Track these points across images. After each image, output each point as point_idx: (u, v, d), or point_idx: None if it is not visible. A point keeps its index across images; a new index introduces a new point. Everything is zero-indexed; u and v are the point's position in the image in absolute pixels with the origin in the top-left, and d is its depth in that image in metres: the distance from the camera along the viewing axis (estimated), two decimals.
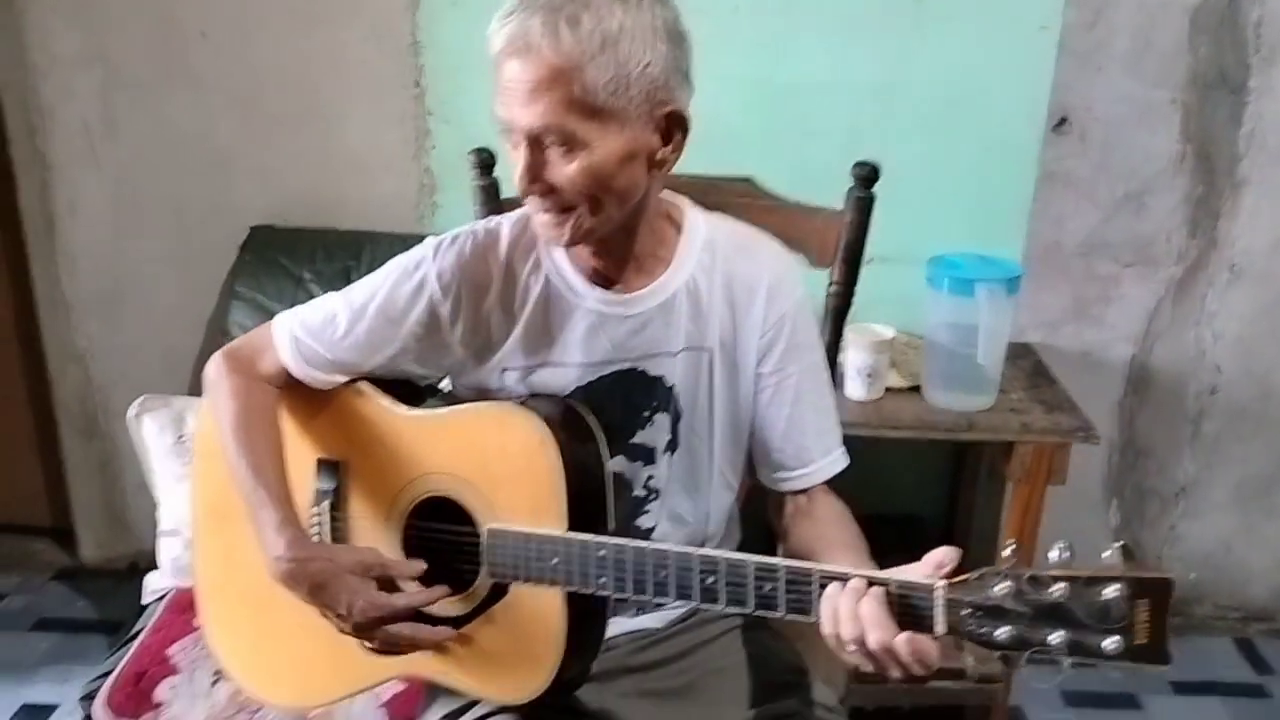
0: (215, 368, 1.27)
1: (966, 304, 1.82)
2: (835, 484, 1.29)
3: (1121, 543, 0.89)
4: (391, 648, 1.18)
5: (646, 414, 1.22)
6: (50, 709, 2.06)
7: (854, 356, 1.91)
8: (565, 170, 1.07)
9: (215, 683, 1.61)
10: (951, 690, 2.02)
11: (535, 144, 1.07)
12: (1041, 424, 1.89)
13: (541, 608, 1.14)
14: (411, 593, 1.18)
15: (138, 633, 1.74)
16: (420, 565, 1.20)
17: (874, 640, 0.94)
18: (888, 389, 1.95)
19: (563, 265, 1.20)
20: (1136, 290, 2.21)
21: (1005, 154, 2.10)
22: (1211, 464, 2.33)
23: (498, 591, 1.17)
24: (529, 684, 1.15)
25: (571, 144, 1.06)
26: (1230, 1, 2.03)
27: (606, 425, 1.19)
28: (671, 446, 1.24)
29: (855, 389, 1.93)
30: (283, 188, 2.20)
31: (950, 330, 1.86)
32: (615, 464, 1.19)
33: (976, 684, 2.01)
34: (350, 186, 2.19)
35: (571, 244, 1.14)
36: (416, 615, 1.19)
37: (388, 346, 1.22)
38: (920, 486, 2.39)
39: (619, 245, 1.18)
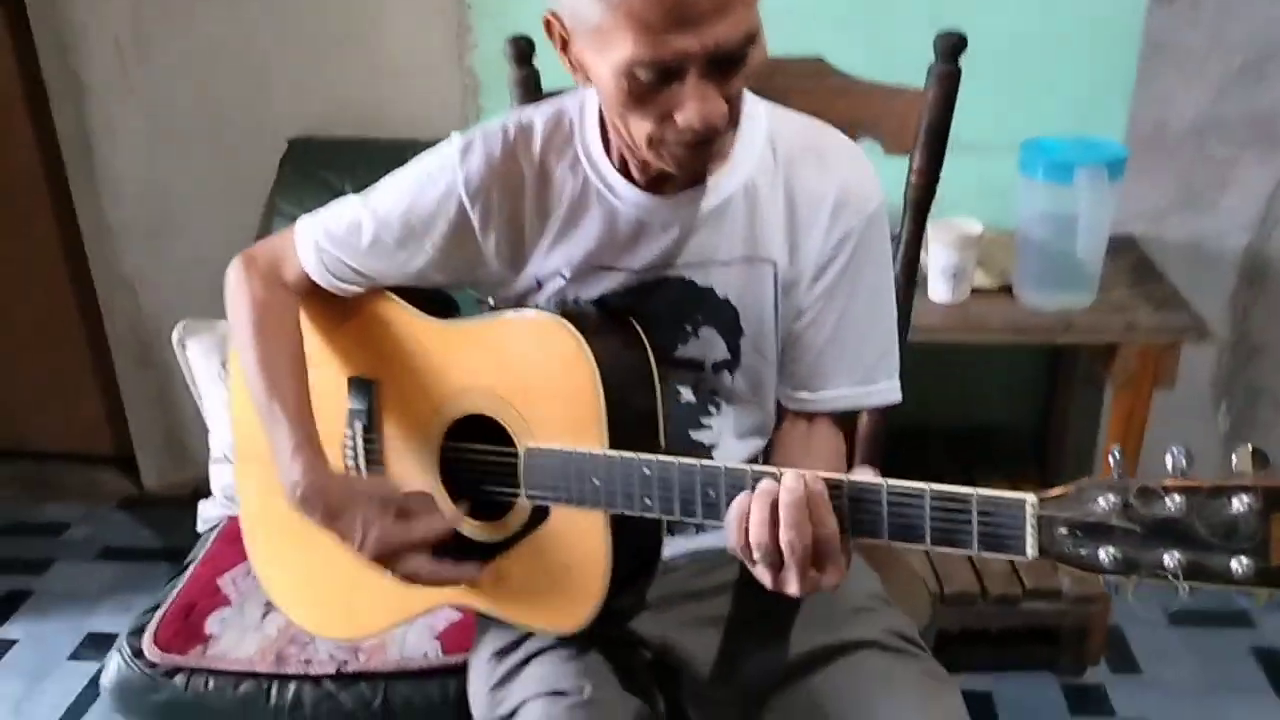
0: (235, 273, 1.18)
1: (1064, 192, 1.65)
2: (913, 391, 1.15)
3: (1251, 446, 0.75)
4: (414, 581, 1.10)
5: (690, 327, 1.10)
6: (112, 638, 2.04)
7: (937, 255, 1.75)
8: (735, 85, 0.91)
9: (266, 614, 1.55)
10: (1045, 611, 1.89)
11: (720, 67, 0.89)
12: (1148, 322, 1.72)
13: (585, 533, 1.05)
14: (424, 523, 1.10)
15: (190, 564, 1.70)
16: (445, 507, 1.13)
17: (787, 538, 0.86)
18: (974, 290, 1.79)
19: (601, 163, 1.07)
20: (1253, 173, 2.00)
21: (1106, 25, 1.90)
22: None
23: (539, 515, 1.08)
24: (574, 615, 1.06)
25: (753, 46, 0.90)
26: None
27: (649, 336, 1.07)
28: (730, 365, 1.12)
29: (938, 291, 1.77)
30: (321, 98, 2.09)
31: (1045, 222, 1.69)
32: (662, 375, 1.08)
33: (1072, 604, 1.88)
34: (390, 93, 2.07)
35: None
36: (454, 540, 1.11)
37: (415, 258, 1.12)
38: (1010, 395, 2.23)
39: None
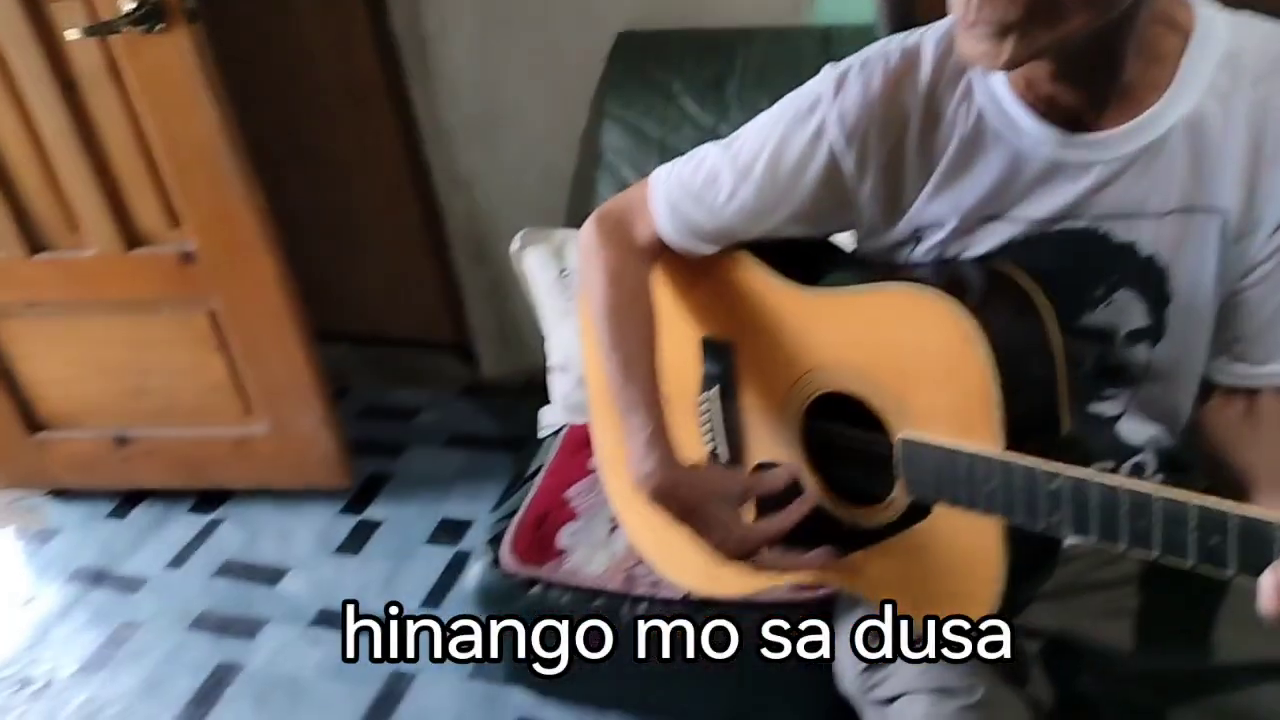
0: (589, 235, 1.13)
1: None
2: None
3: None
4: (768, 572, 1.06)
5: (1102, 291, 0.94)
6: (465, 524, 2.18)
7: None
8: None
9: (613, 530, 1.58)
10: None
11: None
12: None
13: (976, 531, 0.93)
14: (781, 517, 1.03)
15: (536, 470, 1.75)
16: (810, 487, 1.05)
17: None
18: None
19: (1002, 95, 0.91)
20: None
21: None
22: None
23: (918, 507, 0.98)
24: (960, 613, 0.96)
25: None
26: None
27: (1049, 302, 0.92)
28: (1150, 334, 0.96)
29: None
30: None
31: None
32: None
33: None
34: None
35: (1010, 67, 0.82)
36: (820, 523, 1.04)
37: (779, 210, 1.02)
38: None
39: (1095, 72, 0.86)
